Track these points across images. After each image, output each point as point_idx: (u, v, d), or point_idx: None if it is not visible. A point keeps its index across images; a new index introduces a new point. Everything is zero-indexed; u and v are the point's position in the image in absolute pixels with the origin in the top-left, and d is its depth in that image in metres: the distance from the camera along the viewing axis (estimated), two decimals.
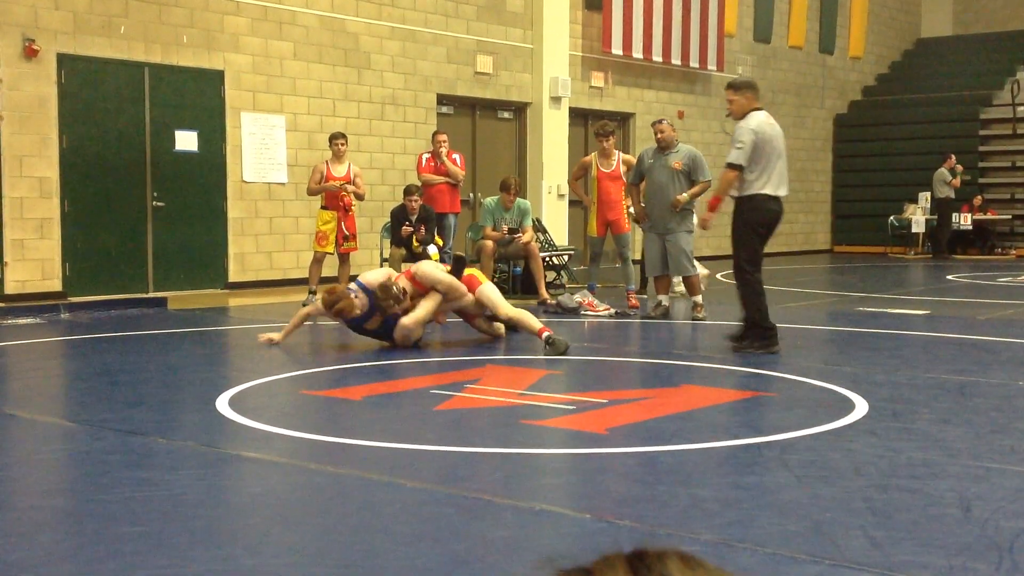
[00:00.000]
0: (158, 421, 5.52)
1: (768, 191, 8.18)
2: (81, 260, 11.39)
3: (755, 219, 8.25)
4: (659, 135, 9.95)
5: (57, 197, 11.20)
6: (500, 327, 8.71)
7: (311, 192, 11.43)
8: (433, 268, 8.45)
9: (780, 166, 8.39)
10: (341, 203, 11.04)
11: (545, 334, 8.16)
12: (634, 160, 10.94)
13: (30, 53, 10.91)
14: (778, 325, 8.11)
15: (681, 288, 10.13)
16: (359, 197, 11.35)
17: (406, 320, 8.07)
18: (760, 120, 8.09)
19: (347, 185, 11.07)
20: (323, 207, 11.20)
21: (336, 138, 11.25)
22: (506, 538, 3.57)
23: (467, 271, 8.69)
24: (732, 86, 8.43)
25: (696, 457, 4.72)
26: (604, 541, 3.52)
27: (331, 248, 11.11)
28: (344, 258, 11.32)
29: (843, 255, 21.69)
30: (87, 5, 11.37)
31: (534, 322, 8.44)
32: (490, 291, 8.61)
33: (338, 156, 11.20)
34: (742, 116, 8.25)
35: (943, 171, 19.69)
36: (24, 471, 4.69)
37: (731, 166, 8.14)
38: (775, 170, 8.33)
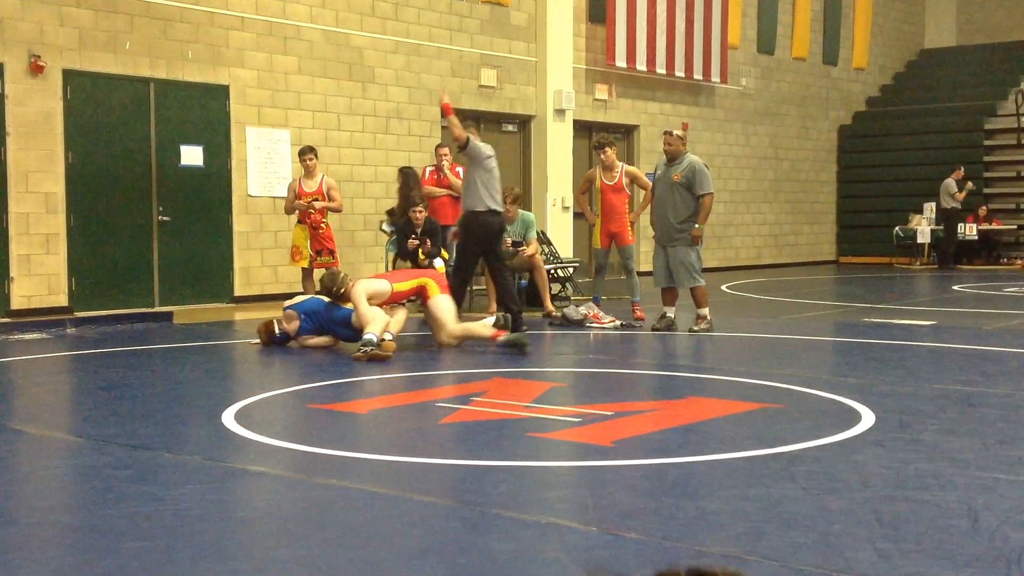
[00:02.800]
0: (164, 436, 5.52)
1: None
2: (87, 275, 11.41)
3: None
4: (664, 147, 9.95)
5: (63, 212, 11.23)
6: (386, 352, 8.41)
7: (286, 210, 11.51)
8: (359, 289, 8.50)
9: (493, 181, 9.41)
10: (308, 220, 11.08)
11: (500, 338, 8.25)
12: (637, 171, 10.97)
13: (36, 69, 10.95)
14: (785, 337, 8.07)
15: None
16: (335, 210, 11.38)
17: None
18: None
19: (313, 202, 11.08)
20: (299, 222, 11.30)
21: (304, 153, 11.28)
22: (512, 551, 3.57)
23: (417, 281, 8.74)
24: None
25: (702, 469, 4.71)
26: (610, 554, 3.52)
27: (305, 263, 11.17)
28: (309, 273, 11.25)
29: (848, 266, 21.67)
30: (92, 21, 11.42)
31: (485, 330, 8.52)
32: (441, 308, 8.59)
33: (308, 172, 11.21)
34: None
35: (950, 182, 19.66)
36: (30, 486, 4.69)
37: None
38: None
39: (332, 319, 8.64)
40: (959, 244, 20.04)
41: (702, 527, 3.81)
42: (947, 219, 19.74)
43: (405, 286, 8.75)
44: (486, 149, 9.42)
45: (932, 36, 26.03)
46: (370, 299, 8.49)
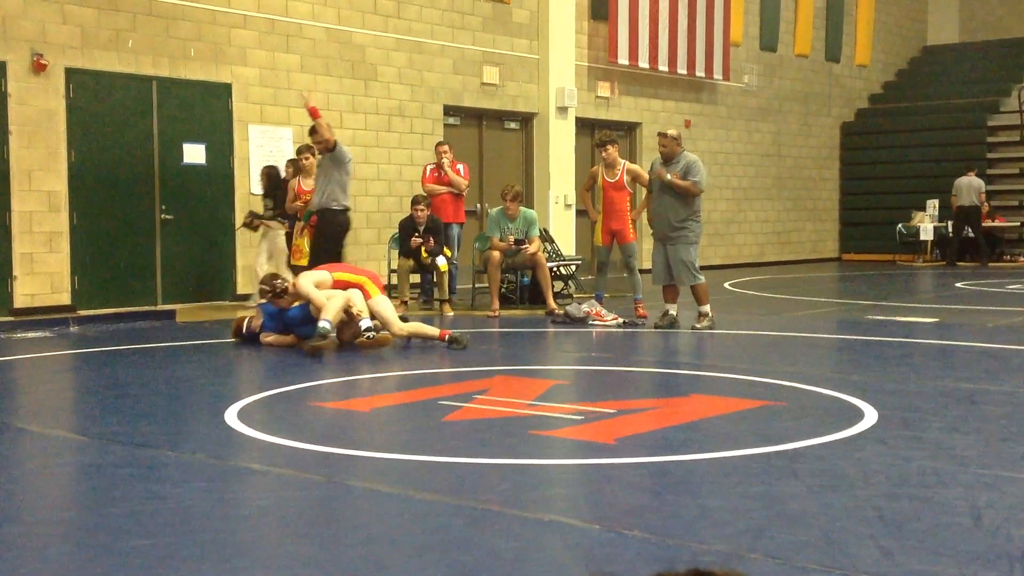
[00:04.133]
0: (167, 434, 5.52)
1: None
2: (90, 273, 11.42)
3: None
4: (660, 148, 9.98)
5: (66, 211, 11.24)
6: (385, 335, 8.62)
7: (288, 210, 11.57)
8: (305, 281, 8.60)
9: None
10: (309, 221, 11.12)
11: (447, 336, 8.42)
12: (639, 169, 10.97)
13: (38, 68, 10.96)
14: (788, 334, 8.08)
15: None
16: None
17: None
18: None
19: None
20: (298, 220, 11.35)
21: (301, 152, 11.34)
22: (514, 549, 3.57)
23: (357, 278, 8.80)
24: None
25: (705, 467, 4.72)
26: (613, 552, 3.52)
27: (304, 261, 11.19)
28: None
29: (851, 263, 21.66)
30: (95, 19, 11.42)
31: (431, 330, 8.66)
32: (382, 307, 8.62)
33: (305, 171, 11.24)
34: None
35: (979, 181, 19.55)
36: (34, 484, 4.70)
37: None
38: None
39: (287, 322, 8.69)
40: (961, 241, 20.00)
41: (704, 525, 3.81)
42: (971, 216, 19.57)
43: (346, 276, 8.82)
44: (348, 153, 10.21)
45: (935, 33, 26.00)
46: (315, 287, 8.60)
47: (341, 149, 10.04)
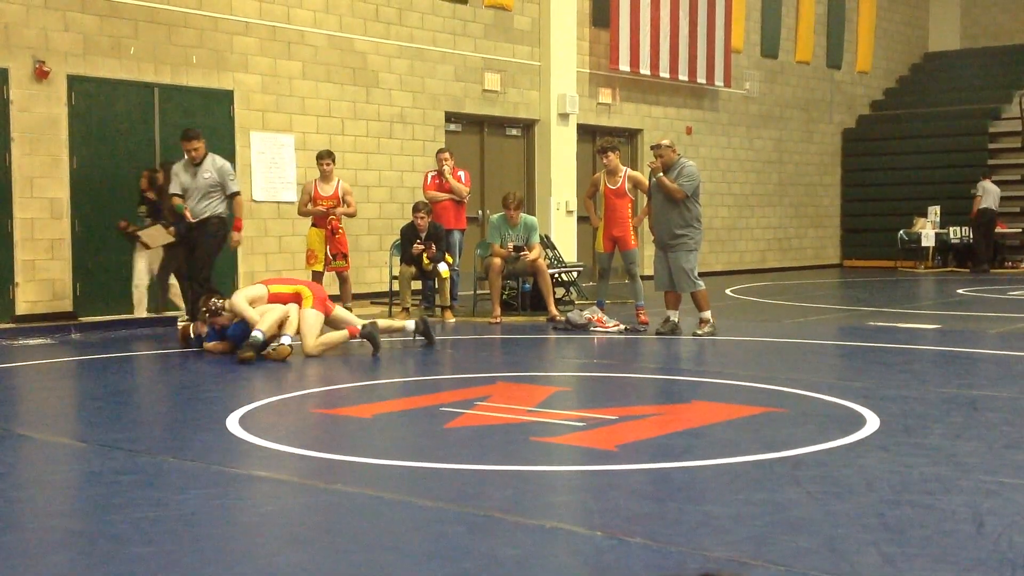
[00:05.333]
0: (169, 441, 5.52)
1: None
2: (91, 280, 11.43)
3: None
4: (659, 160, 10.00)
5: (67, 218, 11.25)
6: (284, 349, 8.52)
7: (301, 213, 11.71)
8: (238, 299, 8.72)
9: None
10: (328, 227, 11.24)
11: (358, 332, 8.60)
12: (640, 176, 10.99)
13: (40, 75, 10.97)
14: (790, 340, 8.08)
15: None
16: (349, 215, 11.54)
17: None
18: None
19: (336, 210, 11.32)
20: (313, 225, 11.48)
21: (322, 158, 11.45)
22: (516, 556, 3.56)
23: (298, 289, 8.87)
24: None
25: (707, 473, 4.71)
26: (615, 559, 3.51)
27: (320, 266, 11.33)
28: (342, 278, 11.63)
29: (853, 269, 21.66)
30: (97, 27, 11.44)
31: (340, 335, 8.70)
32: (306, 321, 8.68)
33: (325, 176, 11.35)
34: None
35: (994, 186, 19.57)
36: (35, 491, 4.69)
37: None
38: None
39: (228, 339, 8.75)
40: (963, 247, 20.00)
41: (707, 531, 3.80)
42: (992, 220, 19.56)
43: (282, 289, 8.88)
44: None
45: (936, 39, 26.02)
46: (250, 303, 8.65)
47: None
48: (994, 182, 20.01)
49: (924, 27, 25.95)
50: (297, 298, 8.77)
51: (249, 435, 5.51)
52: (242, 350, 8.27)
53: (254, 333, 8.31)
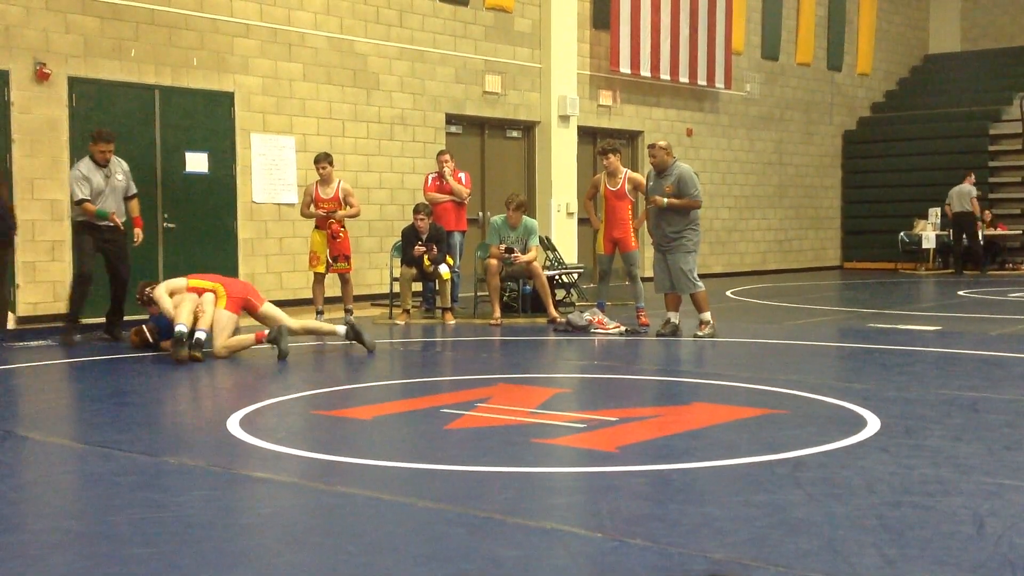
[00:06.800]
0: (169, 442, 5.52)
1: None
2: (92, 282, 11.38)
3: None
4: (651, 159, 10.02)
5: (68, 220, 11.24)
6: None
7: (303, 215, 11.72)
8: (159, 289, 8.92)
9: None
10: (329, 230, 11.24)
11: (263, 337, 8.61)
12: (641, 178, 10.98)
13: (41, 76, 10.98)
14: (790, 342, 8.08)
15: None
16: (353, 216, 11.60)
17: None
18: None
19: (336, 213, 11.31)
20: (316, 227, 11.47)
21: (318, 161, 11.42)
22: (517, 558, 3.56)
23: (214, 285, 8.94)
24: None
25: (707, 475, 4.71)
26: (616, 560, 3.51)
27: (322, 268, 11.35)
28: (344, 279, 11.63)
29: (853, 271, 21.66)
30: (98, 28, 11.44)
31: (246, 338, 8.77)
32: (219, 321, 8.76)
33: (324, 179, 11.34)
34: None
35: (970, 187, 19.52)
36: (35, 493, 4.69)
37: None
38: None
39: (164, 331, 8.87)
40: (964, 249, 19.99)
41: (707, 533, 3.80)
42: (964, 223, 19.50)
43: (200, 283, 8.96)
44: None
45: (937, 41, 26.03)
46: (170, 294, 8.79)
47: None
48: (979, 183, 19.94)
49: (924, 29, 25.97)
50: (214, 293, 8.83)
51: (249, 436, 5.51)
52: (174, 351, 8.33)
53: (178, 327, 8.38)
